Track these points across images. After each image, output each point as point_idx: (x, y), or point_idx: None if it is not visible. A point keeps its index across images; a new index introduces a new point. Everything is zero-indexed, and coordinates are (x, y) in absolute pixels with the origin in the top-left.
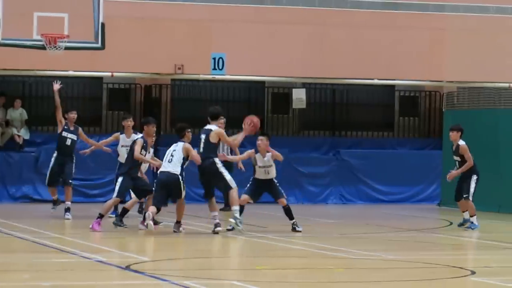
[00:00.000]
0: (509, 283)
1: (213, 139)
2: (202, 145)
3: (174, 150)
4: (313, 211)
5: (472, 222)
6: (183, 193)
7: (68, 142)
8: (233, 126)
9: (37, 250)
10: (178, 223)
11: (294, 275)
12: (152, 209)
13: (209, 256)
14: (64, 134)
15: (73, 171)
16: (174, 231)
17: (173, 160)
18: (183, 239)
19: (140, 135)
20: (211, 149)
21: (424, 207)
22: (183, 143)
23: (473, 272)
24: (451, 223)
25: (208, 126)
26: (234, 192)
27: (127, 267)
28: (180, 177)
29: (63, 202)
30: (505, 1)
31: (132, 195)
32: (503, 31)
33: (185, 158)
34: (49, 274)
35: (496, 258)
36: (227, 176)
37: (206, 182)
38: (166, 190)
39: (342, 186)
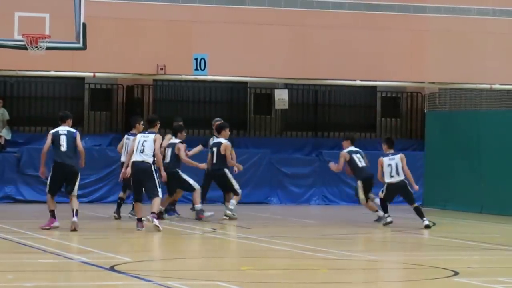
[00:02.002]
0: (491, 283)
1: (222, 151)
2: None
3: (145, 141)
4: (296, 211)
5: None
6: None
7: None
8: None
9: (21, 250)
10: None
11: (278, 275)
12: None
13: (193, 257)
14: None
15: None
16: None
17: (144, 151)
18: (167, 240)
19: (178, 140)
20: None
21: (407, 208)
22: (154, 134)
23: (456, 273)
24: (434, 224)
25: (218, 139)
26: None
27: (111, 268)
28: (152, 166)
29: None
30: (486, 3)
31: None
32: (484, 33)
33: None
34: (33, 274)
35: (478, 258)
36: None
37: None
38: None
39: (325, 186)
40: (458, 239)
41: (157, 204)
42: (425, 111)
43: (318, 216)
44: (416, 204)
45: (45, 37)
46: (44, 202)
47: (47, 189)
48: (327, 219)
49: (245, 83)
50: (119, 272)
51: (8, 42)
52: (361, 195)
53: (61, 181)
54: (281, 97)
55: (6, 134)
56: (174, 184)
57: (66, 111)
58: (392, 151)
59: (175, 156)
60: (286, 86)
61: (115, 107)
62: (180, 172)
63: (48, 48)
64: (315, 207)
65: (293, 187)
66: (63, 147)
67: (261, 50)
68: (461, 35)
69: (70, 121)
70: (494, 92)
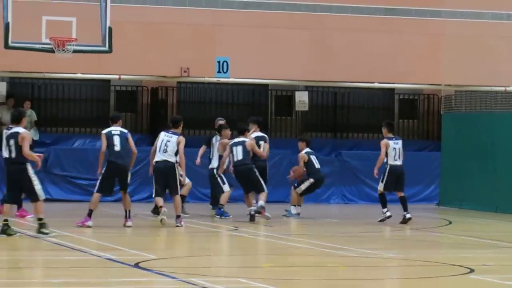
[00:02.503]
0: (506, 280)
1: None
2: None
3: (168, 141)
4: (316, 210)
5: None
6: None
7: None
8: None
9: (49, 248)
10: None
11: (298, 272)
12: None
13: (215, 254)
14: None
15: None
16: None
17: (167, 150)
18: (190, 238)
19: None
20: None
21: (423, 207)
22: (177, 135)
23: (471, 270)
24: (450, 222)
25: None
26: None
27: (136, 265)
28: (175, 165)
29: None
30: (500, 7)
31: None
32: (498, 37)
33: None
34: (60, 271)
35: (493, 256)
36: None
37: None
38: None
39: (344, 186)
40: (473, 237)
41: (179, 204)
42: (442, 112)
43: (338, 214)
44: (403, 194)
45: (72, 41)
46: (70, 200)
47: (96, 189)
48: (346, 217)
49: (266, 85)
50: (144, 269)
51: (36, 45)
52: (304, 186)
53: (113, 180)
54: (302, 99)
55: (34, 134)
56: (248, 181)
57: (117, 111)
58: (391, 135)
59: (247, 153)
60: (306, 88)
61: (140, 108)
62: (255, 170)
63: (74, 51)
64: (334, 206)
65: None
66: (117, 147)
67: (282, 53)
68: (476, 38)
69: (120, 122)
70: (509, 94)
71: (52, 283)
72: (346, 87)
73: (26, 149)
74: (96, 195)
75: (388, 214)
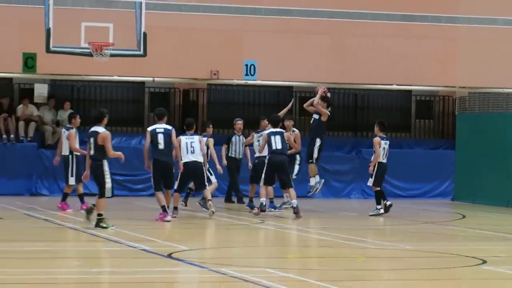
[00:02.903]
0: None
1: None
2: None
3: (192, 142)
4: (338, 205)
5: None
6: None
7: None
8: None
9: (86, 239)
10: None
11: (320, 263)
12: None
13: (243, 245)
14: None
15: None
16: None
17: (194, 151)
18: (219, 230)
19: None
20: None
21: (439, 202)
22: (198, 135)
23: (484, 261)
24: (463, 216)
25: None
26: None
27: (168, 255)
28: (202, 164)
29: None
30: None
31: None
32: (510, 42)
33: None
34: (97, 261)
35: (505, 248)
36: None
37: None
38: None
39: (364, 182)
40: (486, 231)
41: (209, 192)
42: (456, 113)
43: (357, 209)
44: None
45: (109, 45)
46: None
47: (153, 188)
48: (366, 211)
49: (291, 87)
50: (176, 259)
51: (75, 50)
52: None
53: (160, 177)
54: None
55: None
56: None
57: (162, 108)
58: (382, 134)
59: (287, 145)
60: (328, 90)
61: (172, 109)
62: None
63: (111, 55)
64: (354, 201)
65: (335, 182)
66: (161, 145)
67: (305, 57)
68: (489, 43)
69: (165, 118)
70: None
71: (89, 272)
72: (366, 89)
73: (109, 150)
74: (156, 193)
75: (381, 210)
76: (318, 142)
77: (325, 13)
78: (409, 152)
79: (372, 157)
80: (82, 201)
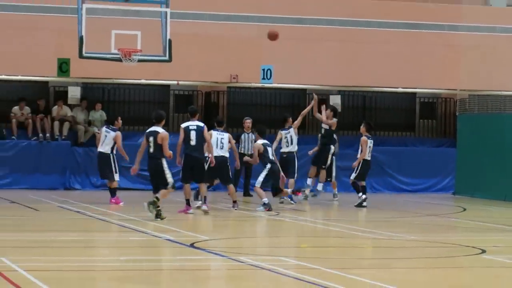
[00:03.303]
0: None
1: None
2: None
3: (222, 138)
4: (348, 199)
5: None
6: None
7: None
8: (280, 127)
9: (115, 230)
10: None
11: (332, 252)
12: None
13: (260, 236)
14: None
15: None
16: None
17: (223, 147)
18: (238, 222)
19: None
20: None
21: (441, 196)
22: (227, 133)
23: (483, 251)
24: (464, 209)
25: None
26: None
27: (191, 245)
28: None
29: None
30: (509, 22)
31: None
32: (508, 47)
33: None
34: (125, 250)
35: (503, 239)
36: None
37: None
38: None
39: (372, 178)
40: (485, 223)
41: (233, 191)
42: (457, 114)
43: (367, 202)
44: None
45: (137, 51)
46: (135, 189)
47: (181, 180)
48: (374, 205)
49: (305, 89)
50: (198, 248)
51: (106, 55)
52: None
53: (190, 171)
54: (335, 101)
55: None
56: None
57: (193, 106)
58: (368, 134)
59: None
60: (339, 92)
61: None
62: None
63: (139, 60)
64: None
65: (345, 177)
66: (193, 142)
67: (318, 62)
68: (488, 49)
69: (197, 115)
70: None
71: (118, 260)
72: (373, 91)
73: (166, 148)
74: (184, 186)
75: (364, 196)
76: (332, 149)
77: (336, 22)
78: (414, 150)
79: (359, 155)
80: (113, 194)
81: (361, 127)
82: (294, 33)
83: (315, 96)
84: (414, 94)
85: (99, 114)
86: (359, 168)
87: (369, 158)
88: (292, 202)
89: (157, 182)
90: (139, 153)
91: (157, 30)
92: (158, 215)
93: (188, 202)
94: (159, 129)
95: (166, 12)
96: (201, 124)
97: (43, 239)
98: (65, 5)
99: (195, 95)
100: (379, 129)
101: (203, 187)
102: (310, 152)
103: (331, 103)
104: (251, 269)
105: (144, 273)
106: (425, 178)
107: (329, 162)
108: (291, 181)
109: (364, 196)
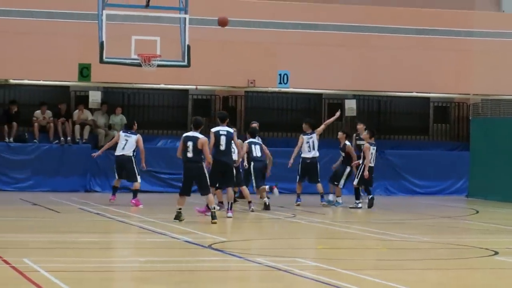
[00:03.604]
0: None
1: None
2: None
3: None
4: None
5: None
6: None
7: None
8: (296, 130)
9: (134, 231)
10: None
11: (347, 253)
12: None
13: (276, 237)
14: None
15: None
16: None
17: (235, 152)
18: (255, 223)
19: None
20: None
21: (454, 198)
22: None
23: (496, 252)
24: (477, 212)
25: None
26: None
27: (209, 246)
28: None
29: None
30: None
31: None
32: None
33: None
34: (144, 251)
35: None
36: None
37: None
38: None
39: (387, 180)
40: (498, 225)
41: (247, 194)
42: (470, 118)
43: (381, 204)
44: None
45: (157, 57)
46: (154, 192)
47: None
48: (388, 207)
49: (321, 94)
50: (216, 249)
51: (126, 61)
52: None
53: (219, 176)
54: (350, 106)
55: None
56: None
57: (224, 111)
58: (372, 140)
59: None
60: (354, 96)
61: (214, 114)
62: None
63: (158, 66)
64: (378, 197)
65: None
66: (222, 147)
67: (333, 67)
68: (500, 54)
69: (227, 121)
70: None
71: (137, 261)
72: (388, 96)
73: (207, 153)
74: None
75: (360, 205)
76: (348, 169)
77: (351, 28)
78: (428, 153)
79: (363, 161)
80: (135, 195)
81: (364, 133)
82: (310, 38)
83: (338, 113)
84: (428, 98)
85: (119, 118)
86: (360, 173)
87: (372, 165)
88: (270, 195)
89: (200, 186)
90: (180, 156)
91: (176, 36)
92: (177, 217)
93: (208, 207)
94: (198, 134)
95: (185, 18)
96: (231, 130)
97: (64, 241)
98: (86, 11)
99: (213, 100)
100: (394, 133)
101: (231, 191)
102: (334, 166)
103: (346, 107)
104: (267, 270)
105: (163, 274)
106: (438, 180)
107: (343, 182)
108: (319, 185)
109: (359, 203)
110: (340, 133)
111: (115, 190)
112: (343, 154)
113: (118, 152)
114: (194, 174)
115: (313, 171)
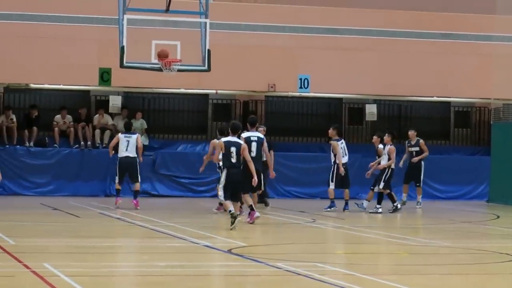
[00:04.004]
0: None
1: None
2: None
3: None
4: (383, 205)
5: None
6: None
7: None
8: (316, 135)
9: (154, 236)
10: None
11: (366, 258)
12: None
13: (296, 242)
14: None
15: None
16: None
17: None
18: (274, 228)
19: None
20: None
21: (475, 203)
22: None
23: None
24: (498, 217)
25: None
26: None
27: (229, 251)
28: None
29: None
30: None
31: None
32: None
33: None
34: (164, 256)
35: None
36: None
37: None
38: None
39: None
40: None
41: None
42: (491, 122)
43: (402, 209)
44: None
45: (177, 61)
46: (174, 196)
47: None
48: (410, 212)
49: (341, 99)
50: (236, 254)
51: (146, 65)
52: None
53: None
54: (371, 110)
55: (144, 140)
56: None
57: (254, 116)
58: (391, 143)
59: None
60: (375, 101)
61: (233, 119)
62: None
63: (179, 70)
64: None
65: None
66: (253, 153)
67: (354, 72)
68: None
69: (257, 125)
70: None
71: (157, 266)
72: (409, 101)
73: (248, 157)
74: (243, 196)
75: (380, 210)
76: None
77: (371, 32)
78: (448, 157)
79: (382, 162)
80: (137, 196)
81: (385, 137)
82: (330, 43)
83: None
84: (448, 103)
85: (139, 123)
86: (387, 176)
87: (394, 167)
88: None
89: (244, 189)
90: (207, 159)
91: (197, 40)
92: (232, 221)
93: (252, 208)
94: (239, 140)
95: (205, 23)
96: (262, 136)
97: (84, 245)
98: (107, 16)
99: (233, 104)
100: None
101: (255, 197)
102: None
103: (367, 111)
104: (287, 275)
105: (182, 279)
106: (459, 185)
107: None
108: (347, 191)
109: (380, 208)
110: (374, 137)
111: (118, 192)
112: (378, 158)
113: (122, 154)
114: (239, 179)
115: (346, 176)
